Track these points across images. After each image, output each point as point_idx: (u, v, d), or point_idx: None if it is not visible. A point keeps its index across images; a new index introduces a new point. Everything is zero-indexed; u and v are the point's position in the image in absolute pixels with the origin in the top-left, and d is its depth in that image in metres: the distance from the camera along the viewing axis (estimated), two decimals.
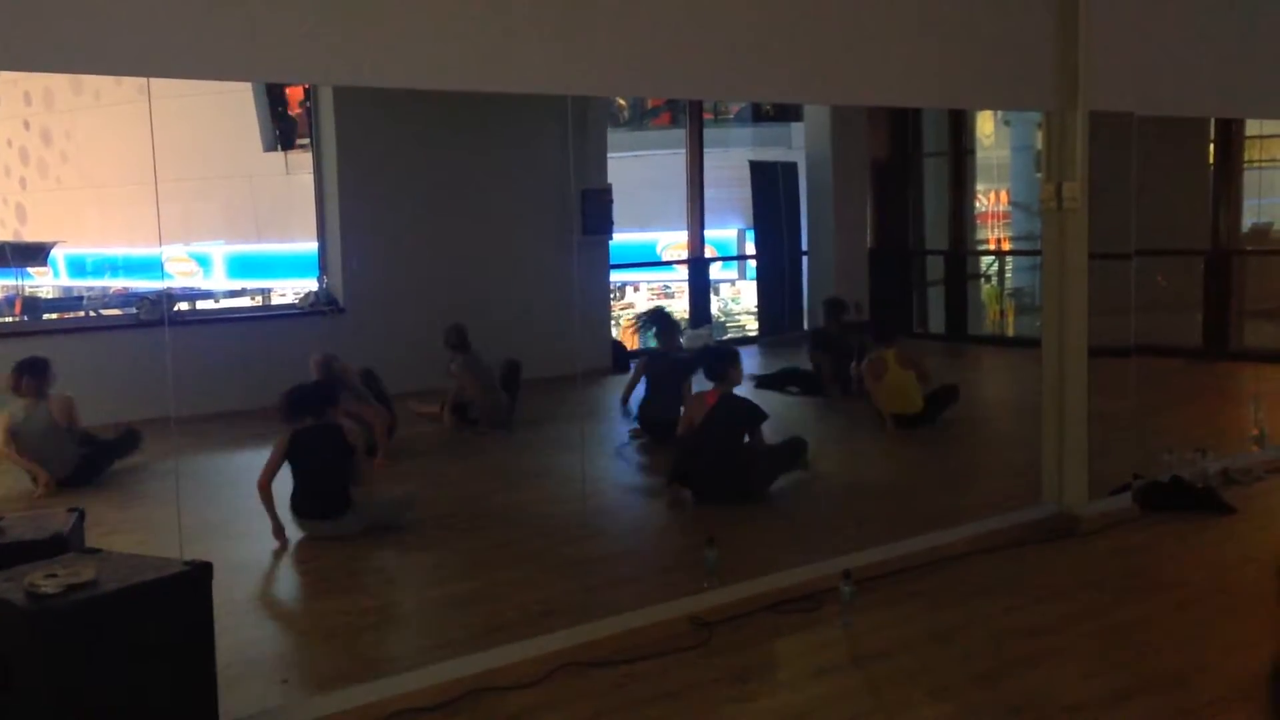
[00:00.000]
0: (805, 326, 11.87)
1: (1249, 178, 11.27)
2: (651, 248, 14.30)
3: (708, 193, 12.25)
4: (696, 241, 12.23)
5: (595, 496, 6.22)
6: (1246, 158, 11.18)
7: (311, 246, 9.86)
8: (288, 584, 5.17)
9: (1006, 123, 13.44)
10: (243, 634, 4.29)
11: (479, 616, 4.51)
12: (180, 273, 13.23)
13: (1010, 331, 12.96)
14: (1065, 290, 5.60)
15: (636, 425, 7.59)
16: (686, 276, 12.42)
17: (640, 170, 14.02)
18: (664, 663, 4.04)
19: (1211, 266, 10.76)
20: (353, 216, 9.53)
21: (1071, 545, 5.30)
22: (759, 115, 15.81)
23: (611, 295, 11.96)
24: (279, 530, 5.38)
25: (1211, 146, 11.00)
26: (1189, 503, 5.74)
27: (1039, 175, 5.91)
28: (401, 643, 4.34)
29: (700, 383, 6.57)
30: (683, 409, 6.58)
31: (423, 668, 3.93)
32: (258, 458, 5.72)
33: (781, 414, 7.74)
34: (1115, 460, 5.76)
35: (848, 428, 8.25)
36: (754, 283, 12.85)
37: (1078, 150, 5.47)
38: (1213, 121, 10.50)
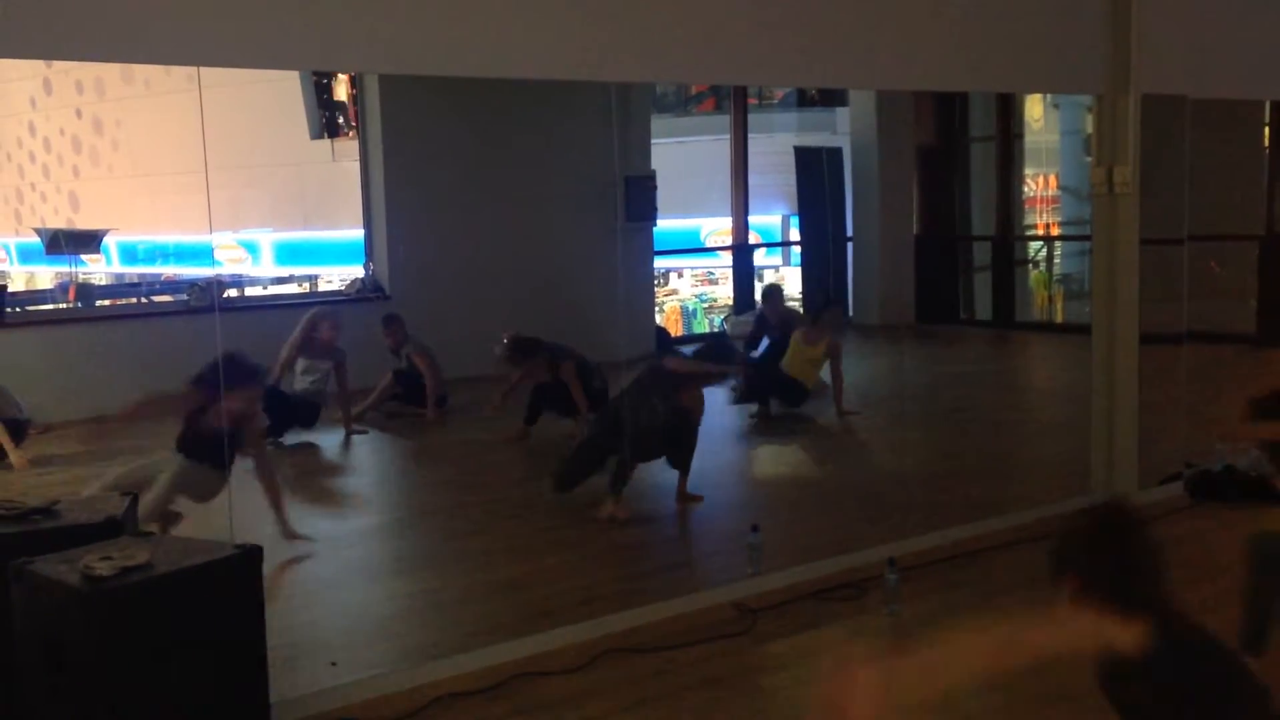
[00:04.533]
0: (850, 314, 11.78)
1: None
2: (695, 234, 14.26)
3: (752, 179, 12.19)
4: (740, 228, 12.18)
5: (638, 482, 6.22)
6: None
7: (358, 233, 9.93)
8: (336, 568, 5.22)
9: (1056, 106, 13.25)
10: (292, 617, 4.34)
11: (524, 602, 4.53)
12: (229, 260, 13.36)
13: (1059, 318, 12.80)
14: (1116, 276, 5.52)
15: None
16: (730, 263, 12.38)
17: (684, 156, 13.96)
18: (707, 649, 4.05)
19: (1266, 252, 10.56)
20: (398, 203, 9.59)
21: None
22: (804, 100, 15.69)
23: (655, 282, 11.94)
24: None
25: (1267, 130, 10.79)
26: (1241, 492, 5.66)
27: (1089, 159, 5.83)
28: (447, 627, 4.37)
29: None
30: None
31: (468, 652, 3.97)
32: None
33: None
34: (1166, 449, 5.69)
35: (897, 415, 8.19)
36: (798, 269, 12.79)
37: (1129, 134, 5.39)
38: (1268, 104, 10.30)
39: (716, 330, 12.51)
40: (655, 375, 6.02)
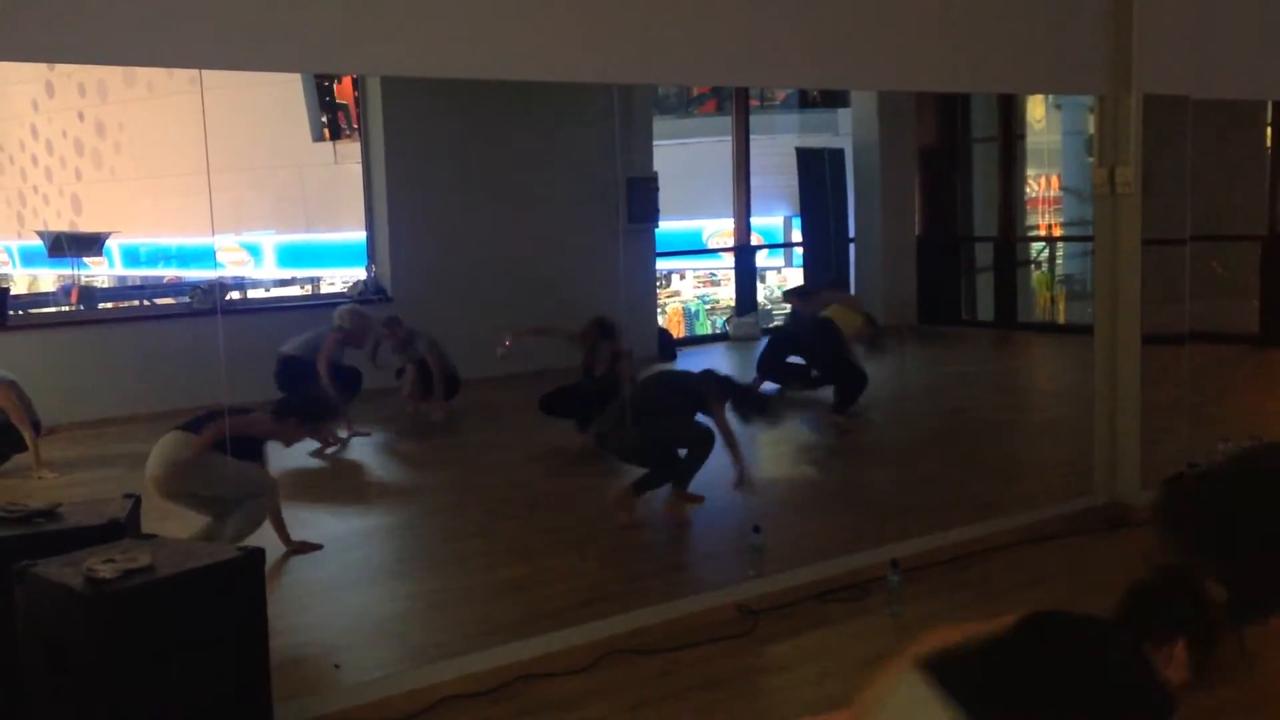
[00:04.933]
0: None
1: None
2: (697, 235, 14.27)
3: (754, 180, 12.19)
4: (742, 229, 12.18)
5: None
6: None
7: (360, 236, 9.94)
8: (338, 570, 5.23)
9: (1058, 107, 13.25)
10: (295, 619, 4.35)
11: (526, 603, 4.53)
12: (232, 262, 13.36)
13: (1061, 319, 12.80)
14: (1118, 277, 5.52)
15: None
16: (732, 264, 12.38)
17: (686, 158, 13.96)
18: (710, 650, 4.05)
19: (1269, 252, 10.55)
20: (400, 205, 9.60)
21: (1124, 535, 5.23)
22: (805, 102, 15.69)
23: (657, 283, 11.94)
24: None
25: (1269, 130, 10.79)
26: None
27: (1091, 160, 5.82)
28: (450, 628, 4.37)
29: None
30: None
31: (470, 654, 3.97)
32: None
33: None
34: (1169, 449, 5.68)
35: (899, 416, 8.19)
36: (800, 270, 12.78)
37: (1131, 134, 5.39)
38: (1269, 104, 10.29)
39: (719, 331, 12.50)
40: (691, 399, 5.78)
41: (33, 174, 17.13)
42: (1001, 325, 12.05)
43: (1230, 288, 10.62)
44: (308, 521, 5.55)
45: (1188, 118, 5.61)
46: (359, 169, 9.96)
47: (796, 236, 13.12)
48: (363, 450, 7.54)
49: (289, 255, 13.76)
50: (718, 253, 13.65)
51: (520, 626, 4.20)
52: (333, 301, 10.14)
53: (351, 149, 10.90)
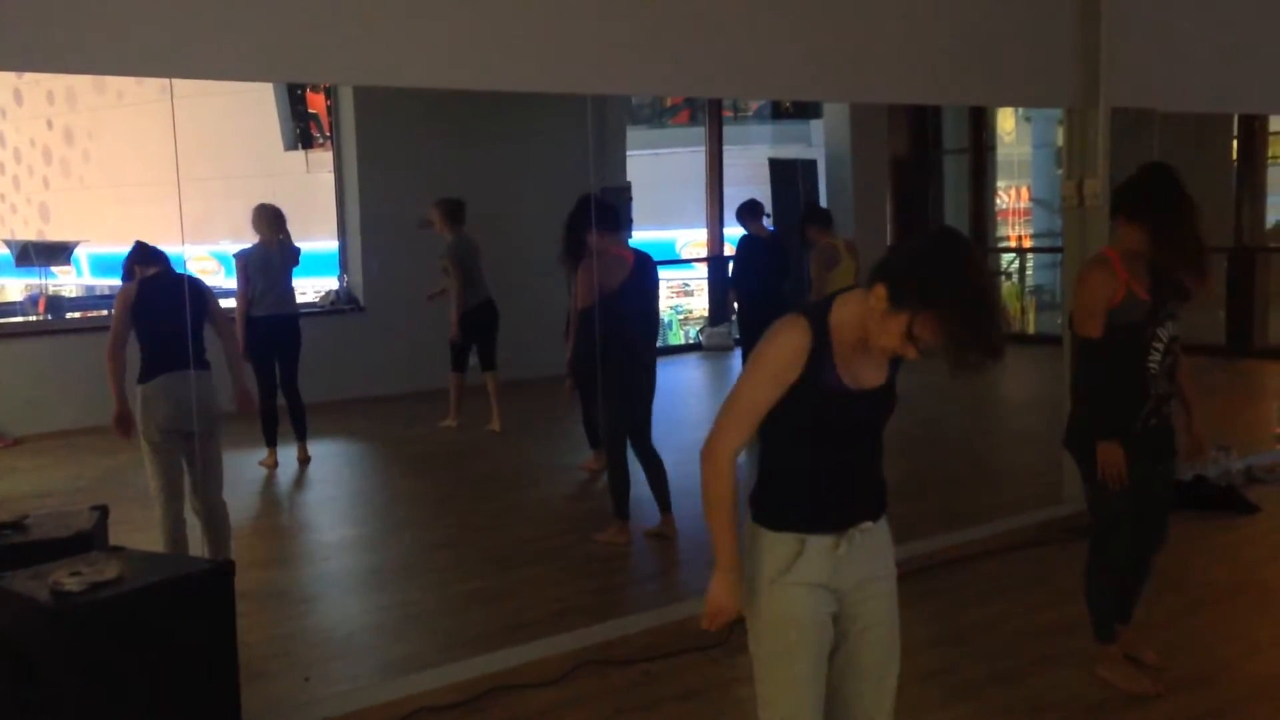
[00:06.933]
0: None
1: (1272, 174, 11.20)
2: (671, 245, 14.31)
3: (727, 190, 12.24)
4: (716, 239, 12.22)
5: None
6: (1270, 153, 11.10)
7: (332, 245, 9.90)
8: (310, 581, 5.20)
9: (1027, 119, 13.38)
10: (264, 631, 4.31)
11: (500, 614, 4.52)
12: (202, 272, 13.28)
13: (1031, 329, 12.90)
14: None
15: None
16: (706, 274, 12.41)
17: (659, 168, 14.02)
18: (685, 661, 4.04)
19: (1235, 263, 10.68)
20: (372, 215, 9.56)
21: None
22: (778, 113, 15.78)
23: None
24: None
25: (1235, 142, 10.93)
26: (1212, 502, 5.71)
27: (1060, 172, 5.87)
28: (422, 640, 4.35)
29: None
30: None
31: (443, 665, 3.95)
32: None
33: None
34: None
35: None
36: None
37: (1099, 147, 5.45)
38: (1235, 117, 10.43)
39: (692, 341, 12.52)
40: None
41: (0, 182, 16.96)
42: None
43: (1197, 298, 10.74)
44: (279, 531, 5.52)
45: (1155, 131, 5.68)
46: (331, 178, 9.92)
47: None
48: (333, 462, 7.51)
49: None
50: (691, 263, 13.69)
51: (494, 637, 4.19)
52: (304, 312, 10.10)
53: (323, 158, 10.87)
